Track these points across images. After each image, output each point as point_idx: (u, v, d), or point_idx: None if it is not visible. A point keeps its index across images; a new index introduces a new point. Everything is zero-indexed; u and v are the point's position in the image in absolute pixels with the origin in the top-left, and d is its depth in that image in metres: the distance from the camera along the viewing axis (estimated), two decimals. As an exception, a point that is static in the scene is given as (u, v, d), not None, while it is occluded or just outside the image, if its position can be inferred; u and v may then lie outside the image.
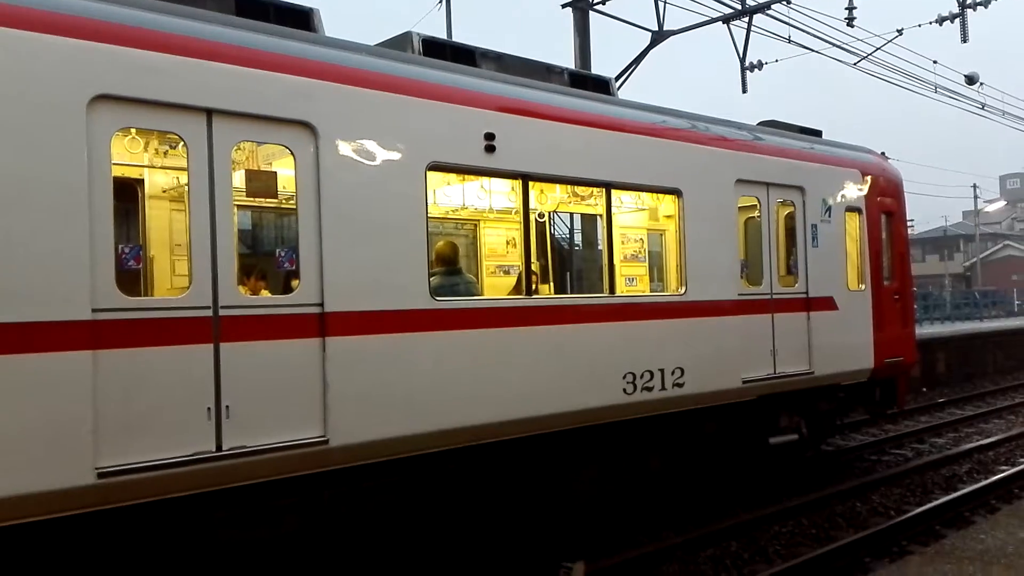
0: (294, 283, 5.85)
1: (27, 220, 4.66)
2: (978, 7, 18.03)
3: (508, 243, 9.76)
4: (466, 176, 7.78)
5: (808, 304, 9.82)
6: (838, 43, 18.24)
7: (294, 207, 5.84)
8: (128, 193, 6.64)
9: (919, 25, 18.99)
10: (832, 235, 10.28)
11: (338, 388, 5.78)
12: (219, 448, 5.26)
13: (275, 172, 6.33)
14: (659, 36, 17.20)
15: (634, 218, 10.15)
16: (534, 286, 7.67)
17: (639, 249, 10.45)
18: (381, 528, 6.54)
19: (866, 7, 18.54)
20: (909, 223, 16.04)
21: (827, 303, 10.07)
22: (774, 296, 9.44)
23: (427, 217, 6.46)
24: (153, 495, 5.12)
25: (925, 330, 25.96)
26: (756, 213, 9.55)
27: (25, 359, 4.60)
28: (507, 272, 9.58)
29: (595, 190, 8.30)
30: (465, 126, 6.76)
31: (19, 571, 4.88)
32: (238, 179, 5.89)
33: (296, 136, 5.78)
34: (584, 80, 8.69)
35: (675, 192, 8.42)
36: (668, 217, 9.24)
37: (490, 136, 6.86)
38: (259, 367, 5.46)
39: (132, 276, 5.61)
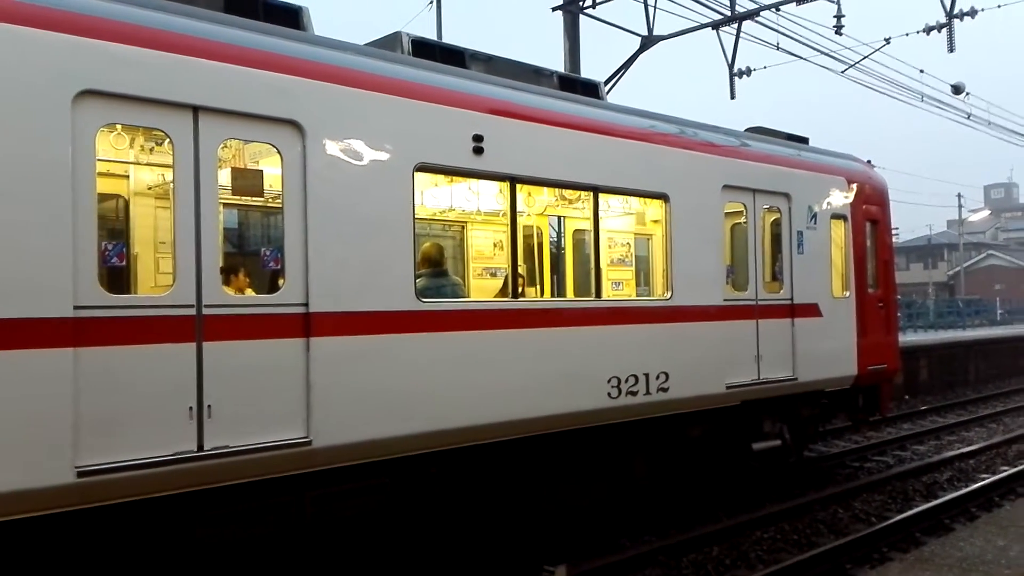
0: (279, 282, 5.82)
1: (9, 216, 4.61)
2: (965, 17, 18.18)
3: (495, 245, 9.76)
4: (454, 178, 7.77)
5: (793, 310, 9.86)
6: (826, 51, 18.36)
7: (280, 206, 5.82)
8: (113, 189, 6.60)
9: (906, 34, 19.19)
10: (817, 242, 10.33)
11: (322, 389, 5.75)
12: (201, 448, 5.22)
13: (261, 170, 6.29)
14: (649, 41, 17.26)
15: (621, 222, 10.17)
16: (520, 289, 7.66)
17: (626, 253, 10.47)
18: (364, 530, 6.51)
19: (854, 16, 18.64)
20: (894, 231, 16.15)
21: (812, 310, 10.12)
22: (759, 302, 9.48)
23: (414, 218, 6.44)
24: (134, 495, 5.07)
25: (908, 338, 26.13)
26: (742, 219, 9.58)
27: (5, 356, 4.55)
28: (494, 275, 9.57)
29: (583, 194, 8.31)
30: (453, 127, 6.74)
31: (-4, 570, 4.84)
32: (224, 177, 5.84)
33: (283, 134, 5.76)
34: (573, 84, 8.69)
35: (662, 197, 8.43)
36: (655, 222, 9.26)
37: (478, 138, 6.85)
38: (242, 367, 5.43)
39: (115, 273, 5.57)
